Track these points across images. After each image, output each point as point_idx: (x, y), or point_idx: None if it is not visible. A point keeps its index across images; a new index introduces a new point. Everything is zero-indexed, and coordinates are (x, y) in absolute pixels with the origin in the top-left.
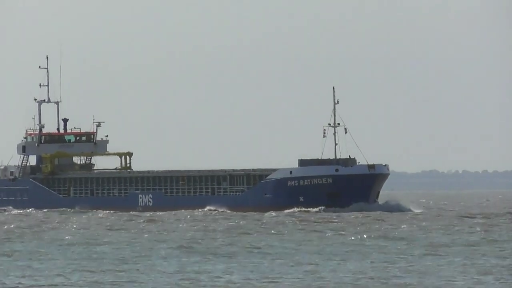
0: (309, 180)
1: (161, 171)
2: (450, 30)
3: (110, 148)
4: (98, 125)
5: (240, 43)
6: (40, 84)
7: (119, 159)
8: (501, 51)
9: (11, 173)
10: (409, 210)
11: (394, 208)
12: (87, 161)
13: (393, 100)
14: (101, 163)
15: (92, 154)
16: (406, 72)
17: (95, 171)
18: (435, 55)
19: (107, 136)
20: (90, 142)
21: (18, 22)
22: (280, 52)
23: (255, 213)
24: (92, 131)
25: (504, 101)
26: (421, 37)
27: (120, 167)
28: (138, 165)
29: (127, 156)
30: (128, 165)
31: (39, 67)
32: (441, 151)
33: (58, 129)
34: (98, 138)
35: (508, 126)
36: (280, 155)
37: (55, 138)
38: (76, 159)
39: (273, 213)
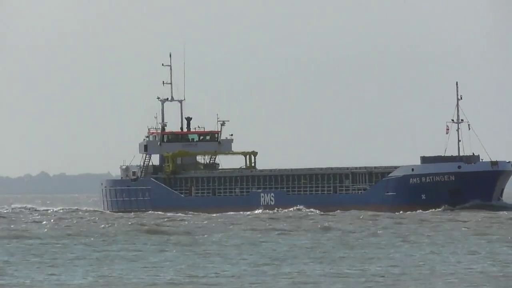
0: (431, 177)
1: (283, 169)
2: None
3: (234, 147)
4: (223, 124)
5: (357, 41)
6: (163, 82)
7: (244, 158)
8: None
9: (133, 173)
10: None
11: None
12: (211, 161)
13: None
14: (225, 162)
15: (216, 153)
16: None
17: (218, 170)
18: None
19: (231, 135)
20: (215, 142)
21: (142, 20)
22: (401, 48)
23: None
24: (216, 130)
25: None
26: None
27: (244, 167)
28: (263, 164)
29: (252, 156)
30: (252, 164)
31: (162, 64)
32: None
33: (181, 128)
34: (223, 137)
35: (507, 125)
36: (403, 152)
37: (178, 137)
38: (200, 159)
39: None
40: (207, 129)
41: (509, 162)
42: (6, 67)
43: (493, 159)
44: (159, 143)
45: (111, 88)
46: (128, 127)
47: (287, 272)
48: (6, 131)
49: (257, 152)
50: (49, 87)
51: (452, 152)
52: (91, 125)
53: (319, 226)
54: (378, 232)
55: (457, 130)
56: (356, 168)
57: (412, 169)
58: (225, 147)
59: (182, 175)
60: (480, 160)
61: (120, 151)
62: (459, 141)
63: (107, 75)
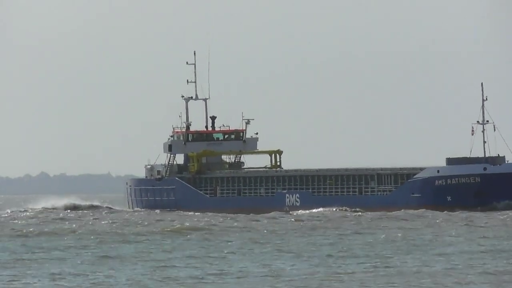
0: (456, 179)
1: (309, 170)
2: None
3: (260, 146)
4: (248, 122)
5: (382, 41)
6: (187, 80)
7: (269, 157)
8: None
9: (158, 172)
10: None
11: None
12: (236, 160)
13: None
14: (250, 161)
15: (241, 152)
16: None
17: (243, 170)
18: None
19: (257, 133)
20: (239, 140)
21: (166, 18)
22: (427, 48)
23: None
24: (241, 128)
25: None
26: None
27: (270, 166)
28: (288, 163)
29: (277, 154)
30: (278, 163)
31: (187, 63)
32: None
33: (206, 127)
34: (248, 135)
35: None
36: (428, 153)
37: (203, 136)
38: (225, 158)
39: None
40: (232, 128)
41: None
42: (8, 66)
43: None
44: (183, 142)
45: (134, 87)
46: (151, 126)
47: None
48: (6, 131)
49: (282, 151)
50: (49, 87)
51: (478, 153)
52: (97, 125)
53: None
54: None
55: (483, 131)
56: (381, 169)
57: (438, 171)
58: (250, 146)
59: (207, 175)
60: (506, 162)
61: (123, 151)
62: (484, 142)
63: (130, 74)
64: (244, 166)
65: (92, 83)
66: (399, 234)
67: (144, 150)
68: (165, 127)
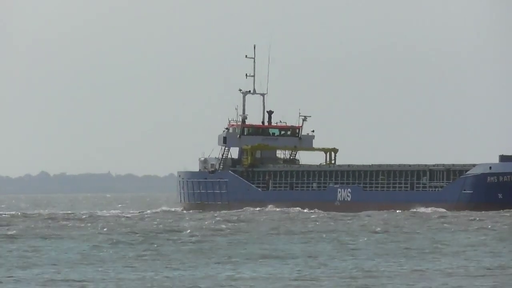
0: (508, 177)
1: (361, 165)
2: None
3: (315, 143)
4: (304, 119)
5: (445, 41)
6: (246, 74)
7: (324, 155)
8: None
9: (212, 165)
10: None
11: None
12: (291, 157)
13: None
14: (305, 158)
15: (296, 148)
16: None
17: (297, 165)
18: None
19: (313, 131)
20: (295, 137)
21: (227, 11)
22: (478, 44)
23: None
24: (298, 125)
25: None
26: None
27: (324, 164)
28: (343, 161)
29: (332, 152)
30: (333, 161)
31: (246, 56)
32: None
33: (262, 121)
34: (304, 133)
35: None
36: (482, 150)
37: (259, 131)
38: (279, 154)
39: None
40: (288, 124)
41: None
42: (10, 66)
43: None
44: (238, 135)
45: (191, 79)
46: (209, 119)
47: None
48: (6, 131)
49: (337, 149)
50: (49, 87)
51: None
52: (97, 125)
53: None
54: None
55: None
56: (434, 165)
57: (490, 168)
58: (305, 143)
59: (260, 168)
60: None
61: (124, 150)
62: None
63: (188, 67)
64: (299, 163)
65: (100, 81)
66: None
67: (196, 144)
68: (222, 120)
